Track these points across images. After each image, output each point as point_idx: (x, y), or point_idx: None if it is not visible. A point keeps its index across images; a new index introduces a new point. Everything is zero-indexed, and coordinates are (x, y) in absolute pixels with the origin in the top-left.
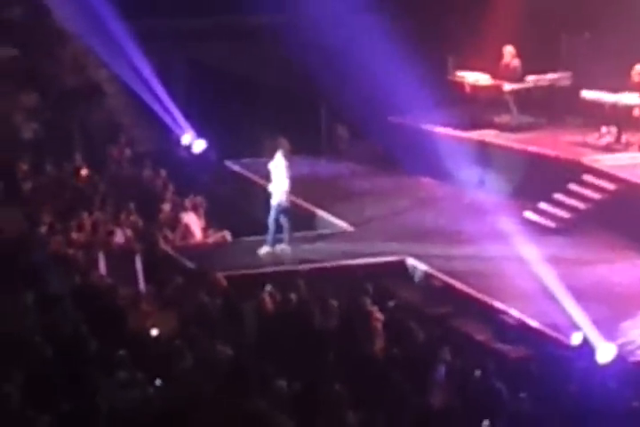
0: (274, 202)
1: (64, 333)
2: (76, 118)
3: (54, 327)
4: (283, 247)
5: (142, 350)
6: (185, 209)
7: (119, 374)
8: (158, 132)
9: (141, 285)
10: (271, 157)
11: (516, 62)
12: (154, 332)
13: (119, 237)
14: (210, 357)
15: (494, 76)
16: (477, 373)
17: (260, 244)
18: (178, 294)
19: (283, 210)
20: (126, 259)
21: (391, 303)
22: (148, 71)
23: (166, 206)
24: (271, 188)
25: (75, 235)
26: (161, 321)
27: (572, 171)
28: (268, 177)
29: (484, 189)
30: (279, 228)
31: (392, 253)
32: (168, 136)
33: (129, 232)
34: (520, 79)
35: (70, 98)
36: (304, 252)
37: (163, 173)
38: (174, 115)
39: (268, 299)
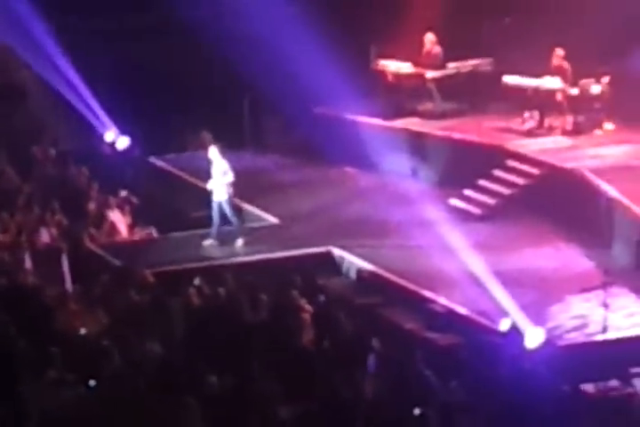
0: (222, 197)
1: None
2: None
3: None
4: (210, 242)
5: (71, 349)
6: (110, 207)
7: (49, 374)
8: (82, 130)
9: (68, 284)
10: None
11: (437, 49)
12: (82, 331)
13: (45, 236)
14: (139, 355)
15: (416, 63)
16: (407, 361)
17: (186, 240)
18: (105, 292)
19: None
20: (52, 258)
21: (321, 297)
22: (69, 69)
23: (91, 205)
24: (212, 184)
25: (0, 236)
26: (89, 320)
27: (496, 156)
28: (192, 172)
29: (416, 178)
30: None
31: (319, 245)
32: (91, 134)
33: (54, 231)
34: (442, 66)
35: None
36: (231, 246)
37: (86, 171)
38: (97, 112)
39: (195, 294)
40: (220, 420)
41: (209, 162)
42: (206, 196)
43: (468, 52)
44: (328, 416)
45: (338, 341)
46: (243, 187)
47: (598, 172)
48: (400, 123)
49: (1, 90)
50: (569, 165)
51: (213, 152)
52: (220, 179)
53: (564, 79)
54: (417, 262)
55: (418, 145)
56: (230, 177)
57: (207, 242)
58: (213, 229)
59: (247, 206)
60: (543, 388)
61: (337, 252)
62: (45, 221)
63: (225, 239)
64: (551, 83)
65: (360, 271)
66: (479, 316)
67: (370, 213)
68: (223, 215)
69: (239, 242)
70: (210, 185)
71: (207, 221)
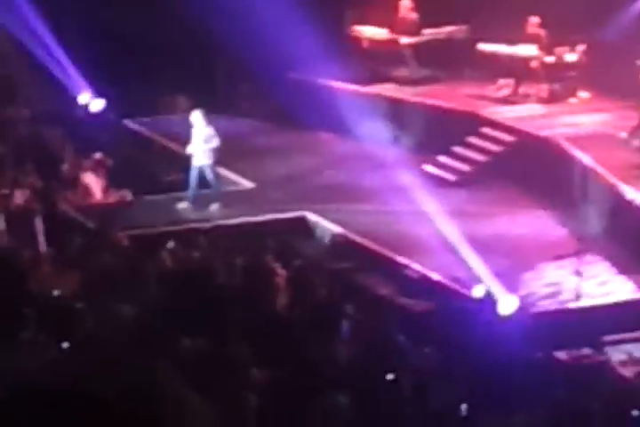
0: (204, 162)
1: None
2: None
3: None
4: (185, 205)
5: (44, 311)
6: (84, 169)
7: (22, 335)
8: (56, 91)
9: (42, 246)
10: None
11: (413, 16)
12: (55, 293)
13: (18, 198)
14: (113, 318)
15: (391, 29)
16: (381, 327)
17: (160, 203)
18: (79, 254)
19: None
20: (26, 220)
21: (295, 262)
22: (44, 30)
23: (65, 167)
24: (192, 148)
25: None
26: (62, 282)
27: (471, 123)
28: (167, 135)
29: (393, 144)
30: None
31: (294, 210)
32: (65, 96)
33: (28, 193)
34: (417, 32)
35: None
36: (206, 209)
37: (61, 133)
38: (71, 74)
39: (169, 257)
40: (193, 383)
41: (190, 126)
42: (181, 159)
43: (443, 19)
44: (301, 380)
45: (311, 305)
46: (218, 151)
47: (573, 139)
48: (375, 89)
49: None
50: (543, 132)
51: (197, 117)
52: (204, 144)
53: (540, 47)
54: (391, 228)
55: (392, 111)
56: (216, 142)
57: (182, 205)
58: (190, 193)
59: (222, 171)
60: (516, 354)
61: (311, 217)
62: (19, 182)
63: (200, 203)
64: (527, 50)
65: (334, 236)
66: (453, 282)
67: (345, 178)
68: (201, 180)
69: (214, 206)
70: (190, 149)
71: (183, 185)
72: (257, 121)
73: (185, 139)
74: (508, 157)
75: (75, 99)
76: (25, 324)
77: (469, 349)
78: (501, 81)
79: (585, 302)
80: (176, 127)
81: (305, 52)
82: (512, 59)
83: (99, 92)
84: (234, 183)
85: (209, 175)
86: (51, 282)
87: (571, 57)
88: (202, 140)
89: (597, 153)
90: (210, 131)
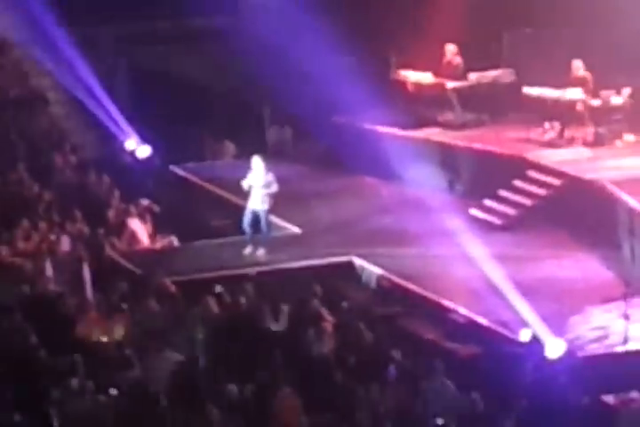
0: (260, 207)
1: (13, 343)
2: (18, 127)
3: (3, 338)
4: (250, 249)
5: (91, 358)
6: (131, 215)
7: (71, 382)
8: (102, 138)
9: (89, 292)
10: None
11: (457, 60)
12: (103, 339)
13: (65, 244)
14: (160, 364)
15: (437, 74)
16: (428, 372)
17: (207, 248)
18: (126, 300)
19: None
20: (73, 267)
21: (343, 304)
22: (91, 78)
23: (112, 213)
24: (255, 193)
25: (21, 244)
26: (110, 329)
27: (517, 167)
28: (213, 181)
29: (452, 190)
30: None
31: (340, 255)
32: (112, 142)
33: (75, 240)
34: (462, 77)
35: (12, 106)
36: (253, 255)
37: (107, 179)
38: (118, 120)
39: (215, 303)
40: None
41: (236, 171)
42: (227, 205)
43: (488, 63)
44: (347, 426)
45: (358, 351)
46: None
47: (619, 183)
48: (420, 133)
49: (21, 97)
50: (589, 176)
51: (257, 162)
52: (263, 189)
53: (585, 90)
54: (437, 272)
55: (441, 156)
56: (275, 188)
57: (248, 250)
58: (249, 237)
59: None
60: (563, 399)
61: (358, 261)
62: (66, 229)
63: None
64: (572, 94)
65: (380, 281)
66: (499, 326)
67: (390, 222)
68: (255, 224)
69: (261, 251)
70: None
71: (228, 230)
72: (303, 166)
73: (231, 184)
74: (553, 200)
75: (121, 145)
76: (74, 371)
77: (516, 393)
78: (547, 124)
79: (633, 346)
80: (222, 172)
81: (350, 97)
82: (557, 102)
83: (145, 139)
84: (280, 228)
85: (263, 220)
86: (98, 328)
87: (616, 100)
88: (261, 186)
89: None
90: (270, 177)
